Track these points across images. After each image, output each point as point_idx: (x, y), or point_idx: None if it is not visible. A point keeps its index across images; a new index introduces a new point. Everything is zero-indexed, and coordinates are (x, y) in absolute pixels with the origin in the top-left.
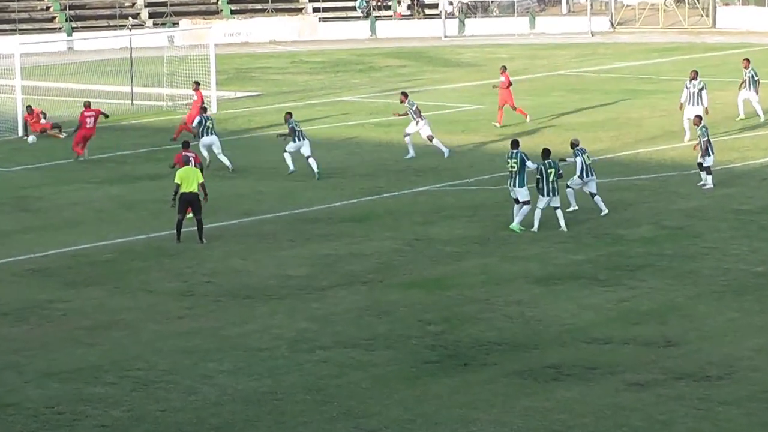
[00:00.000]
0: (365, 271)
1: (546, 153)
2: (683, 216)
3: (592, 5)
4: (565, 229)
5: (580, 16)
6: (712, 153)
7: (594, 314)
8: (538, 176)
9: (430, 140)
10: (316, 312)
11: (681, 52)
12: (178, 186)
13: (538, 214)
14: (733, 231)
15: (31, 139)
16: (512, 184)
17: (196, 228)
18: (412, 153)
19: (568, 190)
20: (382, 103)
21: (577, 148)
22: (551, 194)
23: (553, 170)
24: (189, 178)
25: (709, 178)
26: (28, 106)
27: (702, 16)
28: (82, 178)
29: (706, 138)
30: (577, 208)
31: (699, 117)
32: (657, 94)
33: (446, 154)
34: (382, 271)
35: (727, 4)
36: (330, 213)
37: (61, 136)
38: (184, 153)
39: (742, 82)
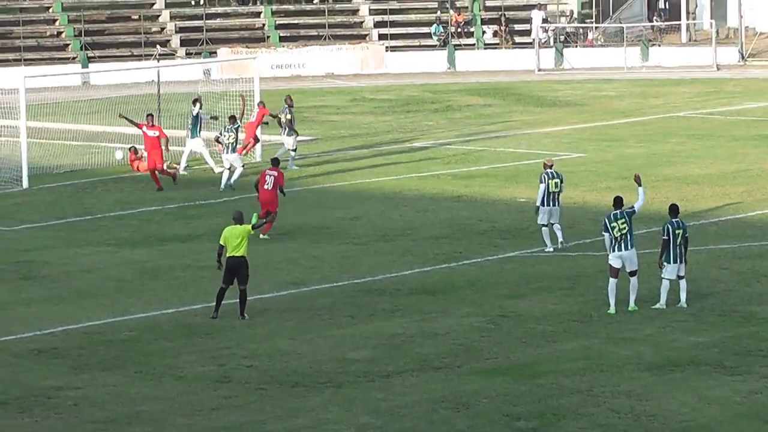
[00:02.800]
0: (440, 355)
1: (674, 210)
2: None
3: (717, 33)
4: (686, 305)
5: (702, 45)
6: None
7: (719, 409)
8: (664, 238)
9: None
10: (380, 404)
11: None
12: (222, 248)
13: (665, 285)
14: None
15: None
16: (619, 247)
17: (237, 300)
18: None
19: (543, 229)
20: (461, 150)
21: (549, 170)
22: (679, 260)
23: (680, 231)
24: (235, 239)
25: None
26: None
27: None
28: (98, 239)
29: None
30: (552, 249)
31: None
32: None
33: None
34: (461, 354)
35: None
36: (397, 283)
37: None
38: (267, 171)
39: None
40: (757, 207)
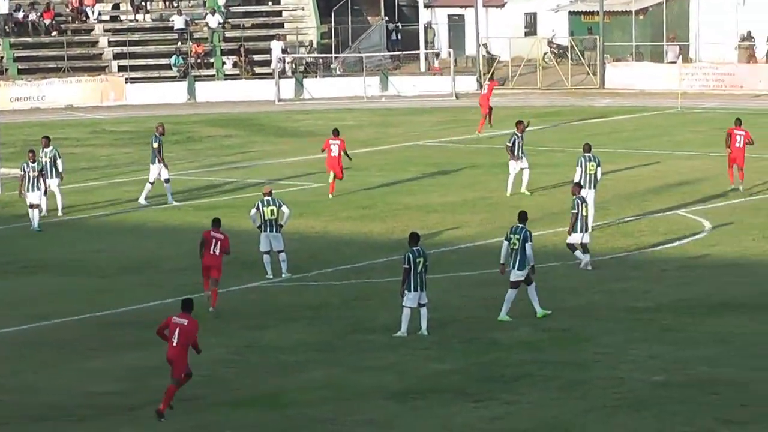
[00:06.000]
0: (186, 386)
1: (414, 239)
2: (569, 315)
3: (456, 62)
4: (426, 333)
5: (442, 74)
6: (585, 230)
7: None
8: (405, 266)
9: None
10: None
11: (564, 117)
12: None
13: (406, 314)
14: (629, 333)
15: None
16: (513, 265)
17: None
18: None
19: (265, 257)
20: (204, 182)
21: (267, 197)
22: (420, 289)
23: (422, 259)
24: None
25: (587, 255)
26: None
27: (588, 74)
28: None
29: (577, 211)
30: (271, 276)
31: (578, 185)
32: (535, 168)
33: None
34: (207, 385)
35: (618, 60)
36: (142, 315)
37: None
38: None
39: None
40: (497, 234)
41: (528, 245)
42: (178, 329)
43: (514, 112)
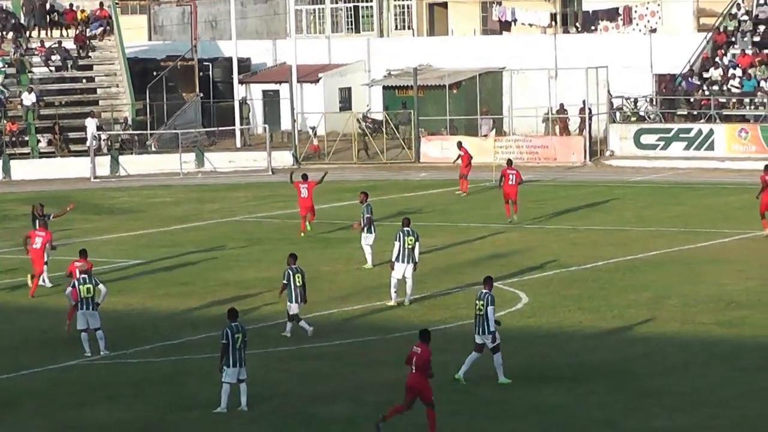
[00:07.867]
0: None
1: (233, 314)
2: (388, 389)
3: (272, 137)
4: (246, 408)
5: (258, 150)
6: (297, 301)
7: None
8: (224, 342)
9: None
10: None
11: (380, 192)
12: None
13: (225, 389)
14: (449, 405)
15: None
16: (477, 330)
17: None
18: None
19: (83, 335)
20: (20, 260)
21: (82, 275)
22: (239, 364)
23: (240, 335)
24: None
25: (289, 325)
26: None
27: (403, 148)
28: None
29: (287, 282)
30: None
31: (293, 256)
32: (352, 243)
33: None
34: None
35: (432, 134)
36: None
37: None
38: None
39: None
40: (313, 309)
41: (491, 309)
42: (414, 357)
43: (331, 186)
